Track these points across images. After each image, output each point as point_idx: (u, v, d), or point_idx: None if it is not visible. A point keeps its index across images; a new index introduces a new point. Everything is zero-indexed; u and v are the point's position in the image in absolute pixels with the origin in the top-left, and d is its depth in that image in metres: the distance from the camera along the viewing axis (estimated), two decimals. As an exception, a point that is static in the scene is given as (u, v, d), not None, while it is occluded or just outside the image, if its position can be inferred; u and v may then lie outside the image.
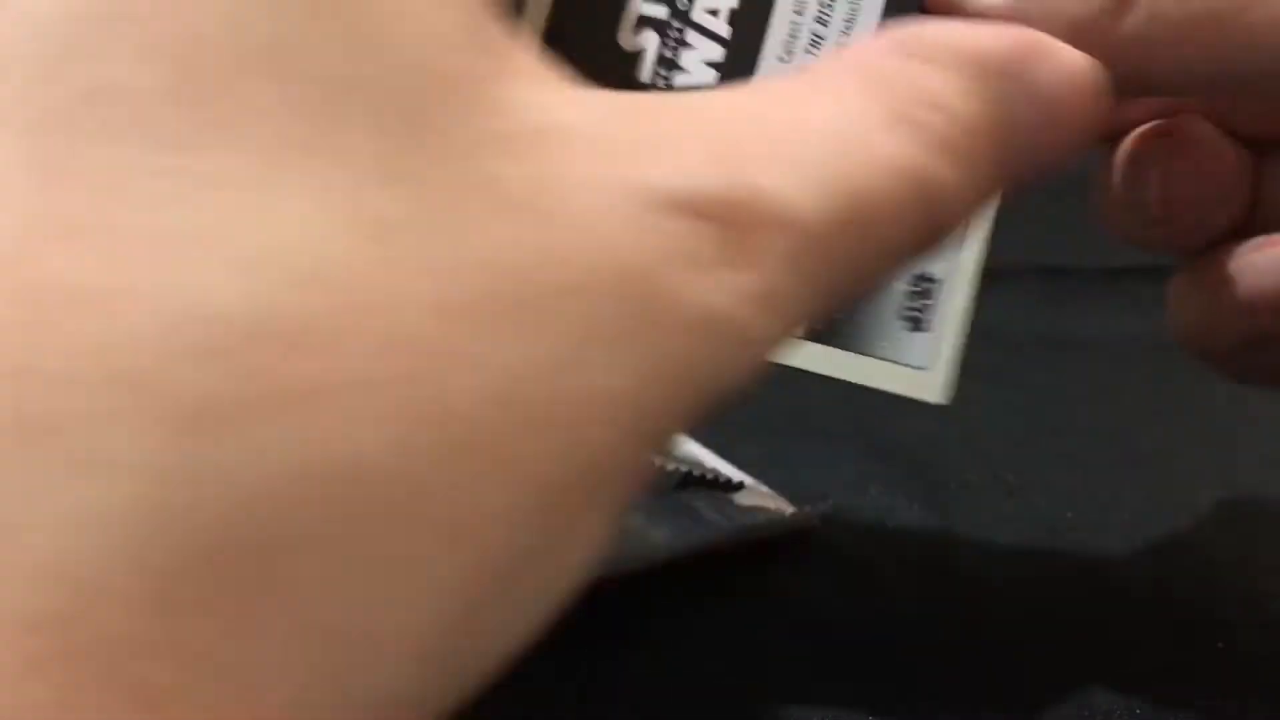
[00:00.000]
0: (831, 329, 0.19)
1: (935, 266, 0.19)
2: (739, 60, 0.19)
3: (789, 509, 0.27)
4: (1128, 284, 0.43)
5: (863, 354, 0.19)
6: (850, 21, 0.19)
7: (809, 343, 0.19)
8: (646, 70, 0.19)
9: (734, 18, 0.19)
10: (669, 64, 0.19)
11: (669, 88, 0.19)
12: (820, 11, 0.19)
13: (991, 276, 0.46)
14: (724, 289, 0.11)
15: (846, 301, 0.17)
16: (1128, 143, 0.21)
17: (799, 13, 0.19)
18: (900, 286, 0.19)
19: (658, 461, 0.24)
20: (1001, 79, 0.13)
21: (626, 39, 0.19)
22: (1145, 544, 0.28)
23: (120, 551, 0.08)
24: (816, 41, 0.19)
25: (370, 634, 0.09)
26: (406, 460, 0.09)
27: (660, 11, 0.19)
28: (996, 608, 0.26)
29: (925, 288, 0.20)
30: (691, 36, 0.19)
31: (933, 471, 0.31)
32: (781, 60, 0.19)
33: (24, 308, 0.08)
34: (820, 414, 0.33)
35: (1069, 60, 0.14)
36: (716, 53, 0.19)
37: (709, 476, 0.25)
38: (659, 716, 0.22)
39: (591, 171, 0.10)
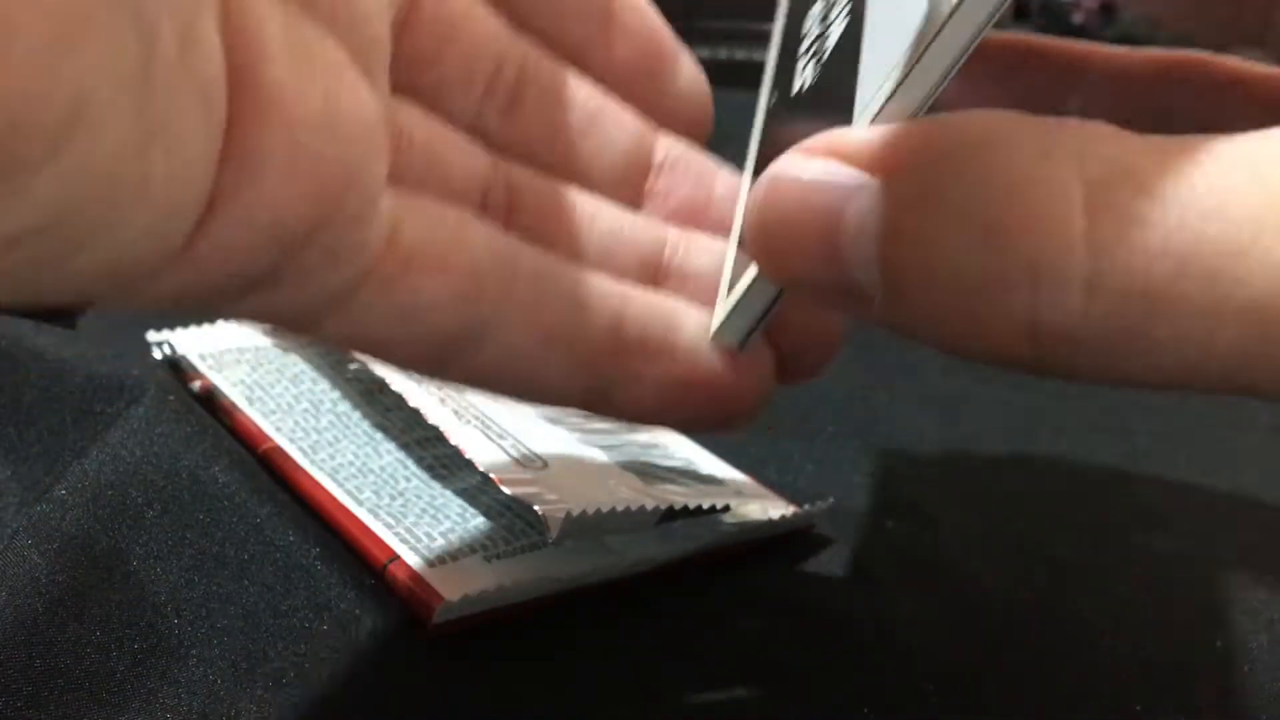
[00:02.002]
0: None
1: None
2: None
3: (789, 509, 0.27)
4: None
5: None
6: None
7: None
8: None
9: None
10: None
11: None
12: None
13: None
14: None
15: None
16: None
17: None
18: None
19: (638, 501, 0.24)
20: None
21: None
22: (1145, 544, 0.28)
23: None
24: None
25: None
26: None
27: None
28: (995, 607, 0.26)
29: None
30: None
31: (932, 471, 0.31)
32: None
33: None
34: (820, 414, 0.33)
35: None
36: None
37: (691, 507, 0.25)
38: (661, 715, 0.22)
39: None
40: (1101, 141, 0.13)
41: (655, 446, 0.29)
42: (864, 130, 0.15)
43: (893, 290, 0.14)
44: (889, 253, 0.14)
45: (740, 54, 0.57)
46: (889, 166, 0.14)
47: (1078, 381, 0.14)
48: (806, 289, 0.16)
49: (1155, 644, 0.25)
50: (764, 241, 0.16)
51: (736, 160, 0.22)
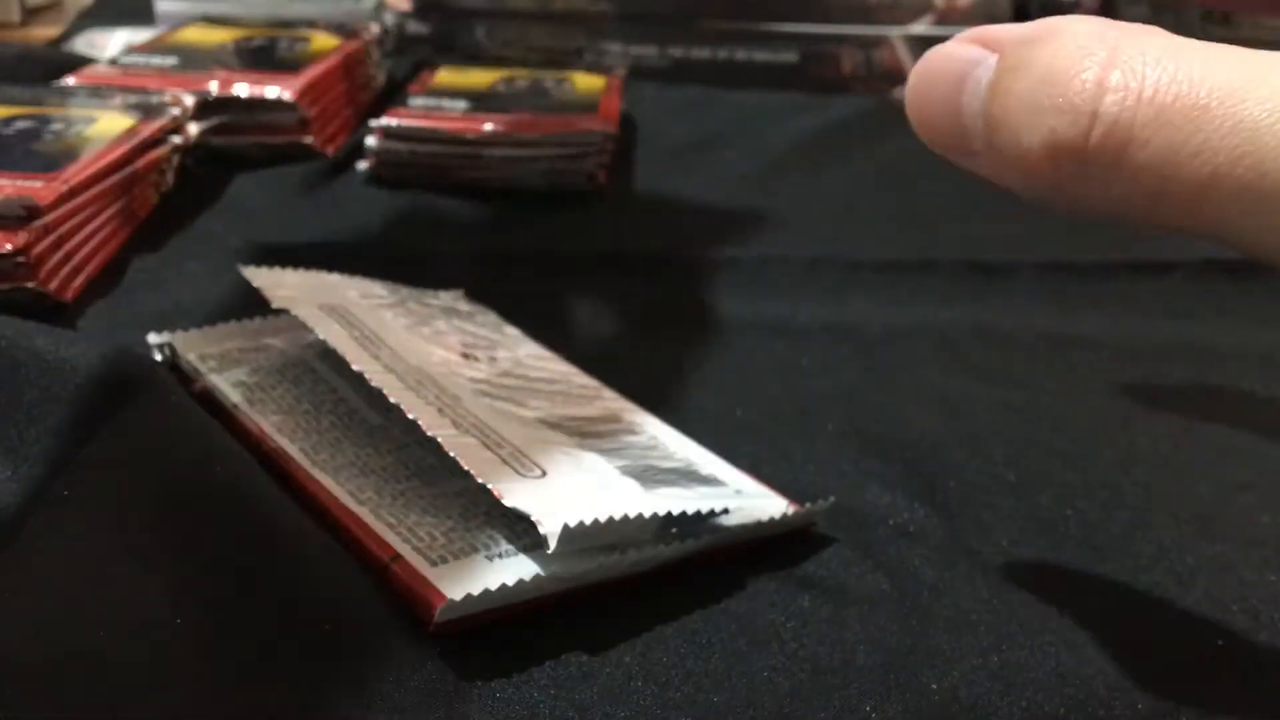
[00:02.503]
0: None
1: None
2: None
3: (789, 509, 0.27)
4: (1126, 280, 0.43)
5: None
6: None
7: None
8: None
9: None
10: None
11: None
12: None
13: (991, 275, 0.46)
14: None
15: None
16: None
17: None
18: None
19: (636, 508, 0.24)
20: None
21: None
22: (1145, 543, 0.28)
23: None
24: None
25: None
26: None
27: None
28: (995, 606, 0.26)
29: None
30: None
31: (932, 471, 0.31)
32: None
33: None
34: (820, 414, 0.33)
35: None
36: None
37: (690, 513, 0.25)
38: (661, 714, 0.22)
39: None
40: (1127, 32, 0.19)
41: (654, 448, 0.29)
42: (996, 26, 0.20)
43: (989, 129, 0.19)
44: (990, 98, 0.19)
45: (740, 54, 0.57)
46: (1004, 46, 0.19)
47: (1082, 206, 0.19)
48: (939, 136, 0.20)
49: (1156, 643, 0.25)
50: (914, 97, 0.20)
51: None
